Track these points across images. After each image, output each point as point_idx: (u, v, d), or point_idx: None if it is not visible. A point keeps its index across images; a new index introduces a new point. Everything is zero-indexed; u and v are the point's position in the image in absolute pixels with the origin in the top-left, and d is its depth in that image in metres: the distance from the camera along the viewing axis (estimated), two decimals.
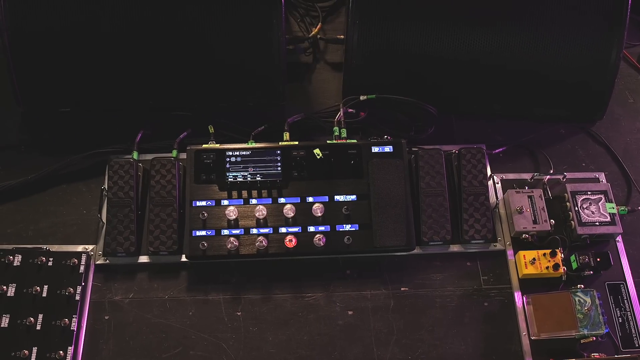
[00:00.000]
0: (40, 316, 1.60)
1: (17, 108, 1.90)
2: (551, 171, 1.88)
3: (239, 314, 1.67)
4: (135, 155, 1.81)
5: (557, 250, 1.70)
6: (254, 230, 1.70)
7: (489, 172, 1.83)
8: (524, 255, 1.71)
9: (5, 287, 1.62)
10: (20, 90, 1.86)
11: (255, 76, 1.87)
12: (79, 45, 1.79)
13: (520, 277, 1.72)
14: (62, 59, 1.81)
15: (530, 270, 1.70)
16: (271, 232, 1.69)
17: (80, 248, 1.72)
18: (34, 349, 1.57)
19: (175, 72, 1.85)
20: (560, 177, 1.85)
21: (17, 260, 1.66)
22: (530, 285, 1.72)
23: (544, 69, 1.85)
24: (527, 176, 1.86)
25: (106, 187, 1.76)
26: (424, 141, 1.88)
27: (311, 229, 1.70)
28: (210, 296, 1.69)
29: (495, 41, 1.79)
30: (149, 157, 1.81)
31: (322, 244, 1.67)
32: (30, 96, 1.88)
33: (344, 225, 1.70)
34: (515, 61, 1.82)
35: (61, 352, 1.56)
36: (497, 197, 1.83)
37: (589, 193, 1.78)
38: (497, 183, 1.85)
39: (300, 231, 1.69)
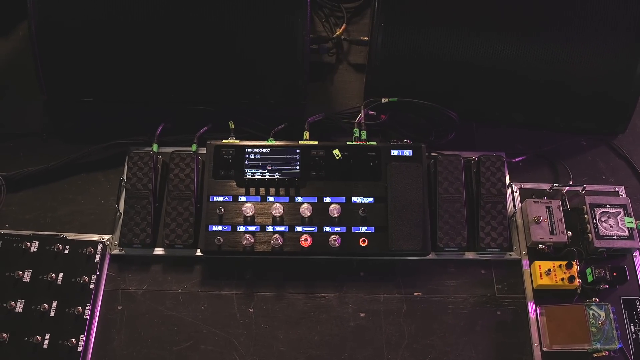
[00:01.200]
0: (55, 303, 1.61)
1: (41, 96, 1.91)
2: (570, 182, 1.86)
3: (251, 310, 1.68)
4: (155, 147, 1.82)
5: (573, 262, 1.69)
6: (270, 228, 1.70)
7: (507, 181, 1.83)
8: (540, 266, 1.70)
9: (21, 272, 1.63)
10: (44, 78, 1.87)
11: (277, 74, 1.87)
12: (105, 35, 1.80)
13: (534, 287, 1.71)
14: (88, 49, 1.82)
15: (545, 281, 1.69)
16: (287, 230, 1.70)
17: (96, 237, 1.73)
18: (47, 335, 1.58)
19: (198, 67, 1.86)
20: (580, 188, 1.83)
21: (34, 246, 1.67)
22: (544, 296, 1.70)
23: (567, 79, 1.83)
24: (546, 186, 1.85)
25: (125, 178, 1.77)
26: (444, 146, 1.88)
27: (327, 229, 1.70)
28: (224, 291, 1.70)
29: (520, 49, 1.78)
30: (169, 150, 1.82)
31: (337, 245, 1.67)
32: (53, 85, 1.89)
33: (360, 227, 1.70)
34: (539, 70, 1.81)
35: (73, 339, 1.57)
36: (514, 206, 1.82)
37: (608, 206, 1.76)
38: (516, 192, 1.84)
39: (315, 231, 1.69)
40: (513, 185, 1.84)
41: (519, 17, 1.76)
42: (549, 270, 1.69)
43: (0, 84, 2.00)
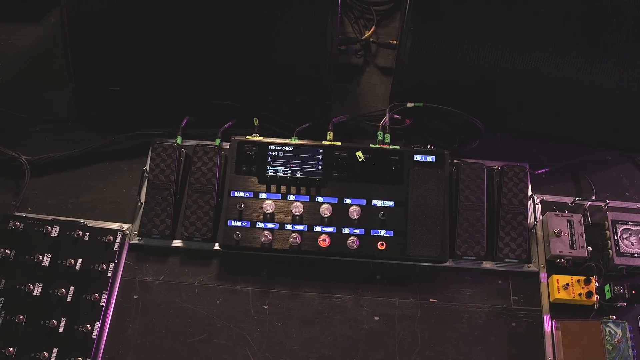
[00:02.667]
0: (72, 288, 1.62)
1: (69, 83, 1.93)
2: (593, 197, 1.85)
3: (265, 307, 1.68)
4: (179, 140, 1.83)
5: (592, 278, 1.67)
6: (289, 226, 1.70)
7: (529, 192, 1.81)
8: (558, 280, 1.69)
9: (41, 256, 1.65)
10: (73, 66, 1.89)
11: (304, 73, 1.88)
12: (135, 26, 1.81)
13: (551, 300, 1.70)
14: (118, 39, 1.83)
15: (563, 295, 1.67)
16: (306, 229, 1.70)
17: (116, 226, 1.74)
18: (63, 320, 1.59)
19: (226, 62, 1.86)
20: (602, 204, 1.82)
21: (55, 231, 1.69)
22: (560, 310, 1.69)
23: (596, 91, 1.81)
24: (568, 200, 1.83)
25: (148, 169, 1.78)
26: (467, 154, 1.87)
27: (346, 230, 1.70)
28: (239, 287, 1.70)
29: (550, 61, 1.76)
30: (192, 143, 1.83)
31: (355, 247, 1.67)
32: (82, 73, 1.91)
33: (379, 231, 1.70)
34: (569, 82, 1.79)
35: (88, 325, 1.58)
36: (535, 218, 1.80)
37: (630, 223, 1.75)
38: (537, 204, 1.83)
39: (334, 231, 1.69)
40: (535, 197, 1.83)
41: (551, 28, 1.74)
42: (567, 284, 1.68)
43: (30, 70, 2.02)
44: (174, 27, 1.80)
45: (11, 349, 1.54)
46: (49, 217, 1.73)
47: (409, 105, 1.85)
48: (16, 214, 1.74)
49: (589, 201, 1.82)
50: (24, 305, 1.60)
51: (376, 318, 1.68)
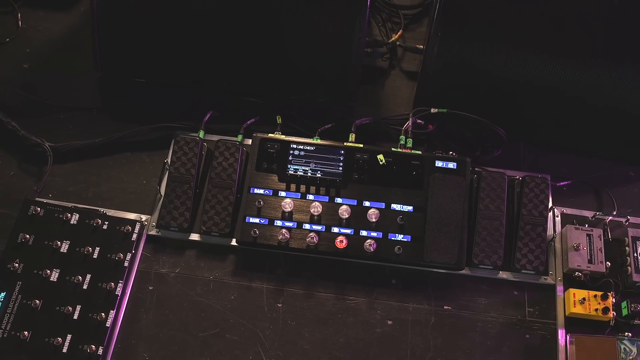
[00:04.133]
0: (88, 276, 1.64)
1: (95, 73, 1.94)
2: (614, 212, 1.83)
3: (279, 305, 1.68)
4: (201, 134, 1.83)
5: (609, 293, 1.66)
6: (307, 226, 1.70)
7: (550, 204, 1.80)
8: (574, 294, 1.67)
9: (59, 242, 1.66)
10: (100, 55, 1.90)
11: (329, 73, 1.87)
12: (164, 19, 1.81)
13: (566, 314, 1.69)
14: (146, 31, 1.84)
15: (579, 309, 1.66)
16: (323, 230, 1.70)
17: (134, 216, 1.75)
18: (78, 307, 1.60)
19: (253, 59, 1.86)
20: (623, 220, 1.80)
21: (74, 219, 1.70)
22: (576, 324, 1.68)
23: (622, 105, 1.79)
24: (588, 214, 1.82)
25: (169, 161, 1.78)
26: (489, 163, 1.86)
27: (363, 233, 1.69)
28: (254, 283, 1.71)
29: (579, 73, 1.74)
30: (215, 138, 1.83)
31: (372, 250, 1.67)
32: (108, 63, 1.92)
33: (397, 235, 1.69)
34: (594, 95, 1.77)
35: (103, 314, 1.59)
36: (554, 231, 1.79)
37: None
38: (557, 216, 1.81)
39: (352, 233, 1.69)
40: (555, 209, 1.82)
41: (581, 40, 1.72)
42: (584, 299, 1.67)
43: (58, 58, 2.04)
44: (202, 21, 1.81)
45: (26, 332, 1.55)
46: (69, 204, 1.74)
47: (432, 110, 1.84)
48: (37, 199, 1.75)
49: (609, 216, 1.80)
50: (41, 290, 1.61)
51: (389, 322, 1.68)
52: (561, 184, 1.87)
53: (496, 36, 1.74)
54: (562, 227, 1.79)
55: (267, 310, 1.67)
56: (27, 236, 1.66)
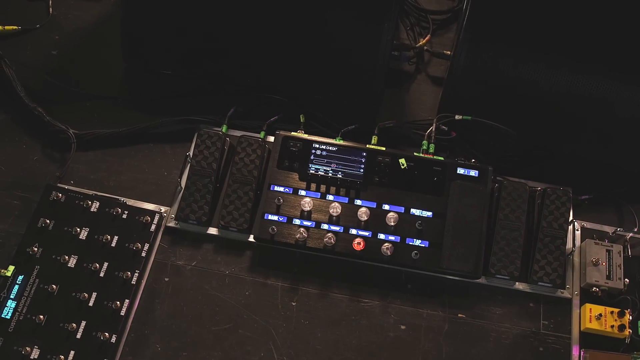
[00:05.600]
0: (106, 264, 1.65)
1: (122, 63, 1.96)
2: (635, 229, 1.81)
3: (293, 304, 1.68)
4: (224, 129, 1.84)
5: (626, 311, 1.64)
6: (325, 226, 1.70)
7: (570, 217, 1.78)
8: (590, 309, 1.66)
9: (79, 229, 1.67)
10: (128, 46, 1.92)
11: (356, 75, 1.87)
12: (192, 12, 1.82)
13: (581, 329, 1.67)
14: (174, 24, 1.86)
15: (594, 325, 1.65)
16: (341, 231, 1.69)
17: (154, 207, 1.76)
18: (94, 294, 1.61)
19: (279, 57, 1.87)
20: None
21: (95, 206, 1.71)
22: (590, 340, 1.66)
23: None
24: (609, 229, 1.80)
25: (191, 155, 1.79)
26: (511, 172, 1.85)
27: (381, 236, 1.69)
28: (269, 281, 1.71)
29: (609, 86, 1.72)
30: (237, 133, 1.84)
31: (389, 253, 1.66)
32: (136, 53, 1.94)
33: (414, 240, 1.69)
34: (626, 108, 1.75)
35: (118, 302, 1.60)
36: (574, 244, 1.77)
37: None
38: (577, 230, 1.80)
39: (370, 236, 1.69)
40: (575, 223, 1.80)
41: (613, 52, 1.70)
42: (600, 315, 1.65)
43: (86, 46, 2.06)
44: (230, 15, 1.81)
45: (41, 316, 1.57)
46: (90, 192, 1.76)
47: (457, 117, 1.83)
48: (59, 185, 1.76)
49: (630, 233, 1.78)
50: (58, 275, 1.62)
51: (402, 327, 1.67)
52: (583, 197, 1.85)
53: (525, 46, 1.73)
54: (581, 241, 1.78)
55: (281, 308, 1.67)
56: (48, 221, 1.67)
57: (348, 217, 1.71)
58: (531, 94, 1.79)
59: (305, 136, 1.79)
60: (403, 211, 1.72)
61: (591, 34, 1.69)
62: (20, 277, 1.61)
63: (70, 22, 2.09)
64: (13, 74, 1.91)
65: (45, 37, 2.06)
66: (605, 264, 1.71)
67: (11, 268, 1.62)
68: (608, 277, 1.70)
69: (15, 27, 2.03)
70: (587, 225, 1.81)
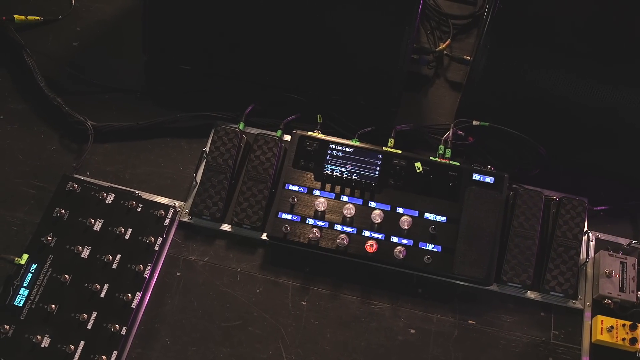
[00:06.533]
0: (119, 256, 1.65)
1: (142, 56, 1.96)
2: None
3: (304, 303, 1.68)
4: (241, 126, 1.84)
5: (638, 324, 1.63)
6: (338, 227, 1.70)
7: (585, 228, 1.77)
8: (602, 321, 1.65)
9: (93, 220, 1.68)
10: (148, 40, 1.93)
11: (374, 76, 1.87)
12: (214, 8, 1.83)
13: (592, 341, 1.66)
14: (195, 19, 1.86)
15: (605, 337, 1.63)
16: (354, 232, 1.69)
17: (168, 201, 1.76)
18: (106, 286, 1.62)
19: (298, 56, 1.87)
20: None
21: (110, 198, 1.72)
22: (600, 352, 1.65)
23: None
24: (624, 241, 1.79)
25: (207, 150, 1.79)
26: (526, 181, 1.84)
27: (394, 239, 1.69)
28: (281, 279, 1.71)
29: (631, 98, 1.71)
30: (254, 131, 1.84)
31: (401, 257, 1.66)
32: (156, 47, 1.94)
33: (427, 244, 1.69)
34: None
35: (129, 295, 1.61)
36: (587, 255, 1.76)
37: None
38: (592, 241, 1.79)
39: (383, 239, 1.69)
40: (590, 234, 1.79)
41: (636, 64, 1.69)
42: (611, 327, 1.64)
43: (107, 38, 2.07)
44: (251, 13, 1.82)
45: (53, 305, 1.57)
46: (106, 184, 1.76)
47: (474, 123, 1.83)
48: (75, 176, 1.77)
49: None
50: (71, 265, 1.63)
51: (412, 331, 1.67)
52: (598, 208, 1.84)
53: (547, 55, 1.72)
54: (595, 252, 1.77)
55: (291, 307, 1.68)
56: (63, 211, 1.68)
57: (362, 219, 1.70)
58: (550, 103, 1.78)
59: (322, 136, 1.79)
60: (417, 215, 1.71)
61: (615, 44, 1.68)
62: (34, 266, 1.62)
63: (92, 14, 2.10)
64: (34, 63, 1.93)
65: (67, 28, 2.07)
66: (619, 276, 1.70)
67: (25, 256, 1.62)
68: (621, 290, 1.68)
69: (37, 18, 2.05)
70: (602, 236, 1.80)
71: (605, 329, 1.64)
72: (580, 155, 1.90)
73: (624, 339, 1.63)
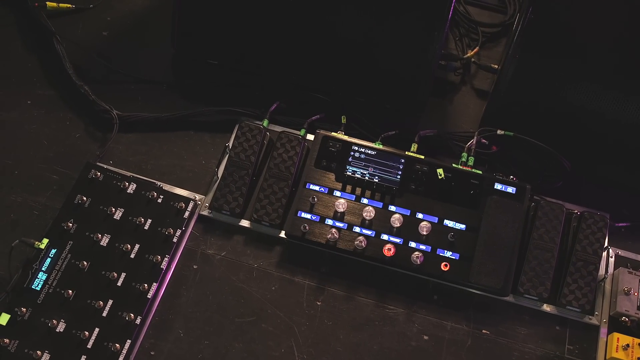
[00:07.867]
0: (137, 246, 1.66)
1: (171, 49, 1.97)
2: None
3: (319, 303, 1.68)
4: (265, 123, 1.85)
5: None
6: (357, 229, 1.70)
7: (605, 243, 1.76)
8: (618, 338, 1.63)
9: (114, 209, 1.69)
10: (178, 33, 1.94)
11: (401, 80, 1.87)
12: (244, 5, 1.83)
13: (607, 358, 1.65)
14: (225, 15, 1.87)
15: (620, 355, 1.62)
16: (373, 235, 1.69)
17: (189, 194, 1.77)
18: (123, 274, 1.63)
19: (326, 56, 1.87)
20: None
21: (131, 188, 1.73)
22: None
23: None
24: None
25: (230, 145, 1.80)
26: (548, 193, 1.83)
27: (412, 244, 1.68)
28: (296, 278, 1.71)
29: None
30: (278, 129, 1.85)
31: (419, 262, 1.66)
32: (185, 41, 1.95)
33: (445, 251, 1.68)
34: None
35: (146, 285, 1.61)
36: (606, 271, 1.75)
37: None
38: (611, 257, 1.77)
39: (401, 243, 1.68)
40: (610, 250, 1.77)
41: None
42: (627, 345, 1.62)
43: (137, 29, 2.08)
44: (281, 11, 1.82)
45: (70, 291, 1.58)
46: (128, 174, 1.77)
47: (499, 132, 1.82)
48: (98, 164, 1.79)
49: None
50: (90, 252, 1.64)
51: (425, 337, 1.66)
52: (620, 224, 1.83)
53: (576, 67, 1.71)
54: (614, 269, 1.75)
55: (306, 307, 1.68)
56: (84, 198, 1.69)
57: (381, 222, 1.70)
58: (576, 116, 1.77)
59: (345, 138, 1.79)
60: (437, 221, 1.71)
61: None
62: (53, 251, 1.63)
63: (123, 5, 2.12)
64: (63, 51, 1.95)
65: (97, 17, 2.09)
66: (638, 294, 1.68)
67: (45, 241, 1.64)
68: (639, 308, 1.67)
69: (69, 6, 2.07)
70: (622, 253, 1.79)
71: (620, 347, 1.62)
72: (603, 170, 1.89)
73: (639, 359, 1.61)
